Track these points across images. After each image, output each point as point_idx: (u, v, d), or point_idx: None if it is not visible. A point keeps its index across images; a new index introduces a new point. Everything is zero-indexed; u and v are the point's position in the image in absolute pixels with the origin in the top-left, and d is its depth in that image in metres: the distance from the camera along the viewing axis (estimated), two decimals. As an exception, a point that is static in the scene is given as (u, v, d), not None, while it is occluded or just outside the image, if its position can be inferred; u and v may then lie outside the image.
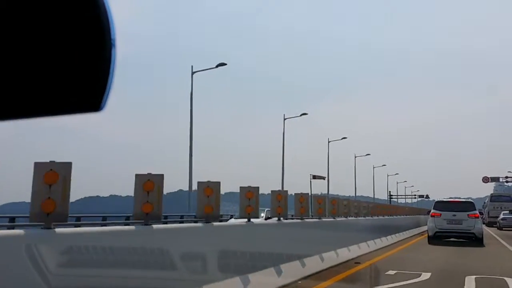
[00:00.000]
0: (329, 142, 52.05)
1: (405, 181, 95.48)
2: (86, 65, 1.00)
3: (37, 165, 5.13)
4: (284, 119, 42.11)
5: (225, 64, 31.15)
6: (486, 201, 55.59)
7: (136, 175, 6.60)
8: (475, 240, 20.58)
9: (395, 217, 26.63)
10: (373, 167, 74.05)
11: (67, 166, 5.21)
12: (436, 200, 23.29)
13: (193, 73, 30.33)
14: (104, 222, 16.39)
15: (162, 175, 6.68)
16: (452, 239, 21.11)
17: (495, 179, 70.97)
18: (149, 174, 6.61)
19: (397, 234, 22.43)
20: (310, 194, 11.93)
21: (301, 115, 43.51)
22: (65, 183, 5.12)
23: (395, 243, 20.01)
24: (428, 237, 21.40)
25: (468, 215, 20.95)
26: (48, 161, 5.21)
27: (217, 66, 31.09)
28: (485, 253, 17.29)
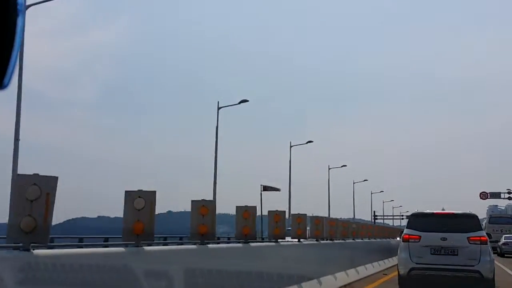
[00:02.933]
0: (291, 146, 45.46)
1: (392, 200, 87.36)
2: None
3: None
4: (218, 108, 34.62)
5: None
6: (484, 223, 47.00)
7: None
8: (481, 282, 12.01)
9: (347, 241, 16.33)
10: (353, 182, 66.84)
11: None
12: (412, 212, 14.23)
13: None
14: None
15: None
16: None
17: (494, 195, 62.22)
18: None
19: (339, 274, 12.76)
20: (260, 209, 10.14)
21: (239, 102, 35.39)
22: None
23: None
24: (399, 278, 12.83)
25: (468, 238, 12.28)
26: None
27: None
28: None
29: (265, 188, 40.30)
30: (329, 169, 56.11)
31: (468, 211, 13.67)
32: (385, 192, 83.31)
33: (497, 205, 73.10)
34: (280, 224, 10.09)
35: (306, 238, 11.98)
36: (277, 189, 42.14)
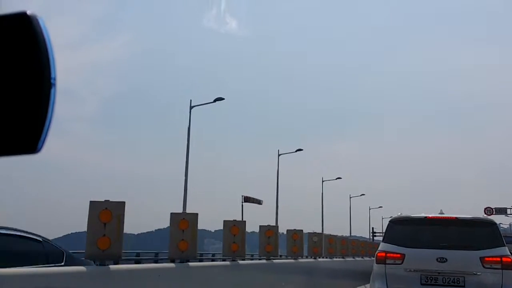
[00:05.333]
0: (279, 155, 42.28)
1: (391, 217, 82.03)
2: (23, 105, 0.96)
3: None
4: (191, 107, 31.68)
5: None
6: None
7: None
8: None
9: (300, 261, 11.39)
10: (350, 197, 63.46)
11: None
12: (392, 217, 9.41)
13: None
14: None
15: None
16: None
17: (500, 211, 56.83)
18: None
19: None
20: (242, 220, 8.36)
21: (214, 100, 32.38)
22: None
23: None
24: None
25: (483, 258, 8.05)
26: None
27: None
28: None
29: (247, 199, 36.77)
30: (322, 181, 52.80)
31: (481, 216, 9.05)
32: (384, 208, 79.89)
33: (500, 223, 71.05)
34: (272, 240, 9.09)
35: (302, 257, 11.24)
36: (259, 202, 38.58)
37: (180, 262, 6.62)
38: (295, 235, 10.48)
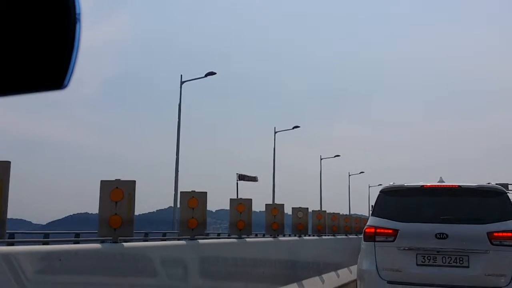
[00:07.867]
0: (275, 132, 41.67)
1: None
2: (49, 41, 0.95)
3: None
4: (182, 82, 31.19)
5: None
6: None
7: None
8: None
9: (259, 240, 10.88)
10: (349, 175, 61.42)
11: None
12: (384, 186, 7.81)
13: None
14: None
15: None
16: None
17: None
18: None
19: None
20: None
21: (206, 75, 31.76)
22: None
23: None
24: None
25: (490, 234, 6.70)
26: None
27: None
28: None
29: (242, 177, 35.79)
30: (321, 159, 52.28)
31: (488, 183, 7.49)
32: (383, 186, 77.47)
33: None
34: (245, 216, 7.78)
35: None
36: (255, 179, 37.09)
37: (113, 242, 5.19)
38: (274, 210, 9.09)
